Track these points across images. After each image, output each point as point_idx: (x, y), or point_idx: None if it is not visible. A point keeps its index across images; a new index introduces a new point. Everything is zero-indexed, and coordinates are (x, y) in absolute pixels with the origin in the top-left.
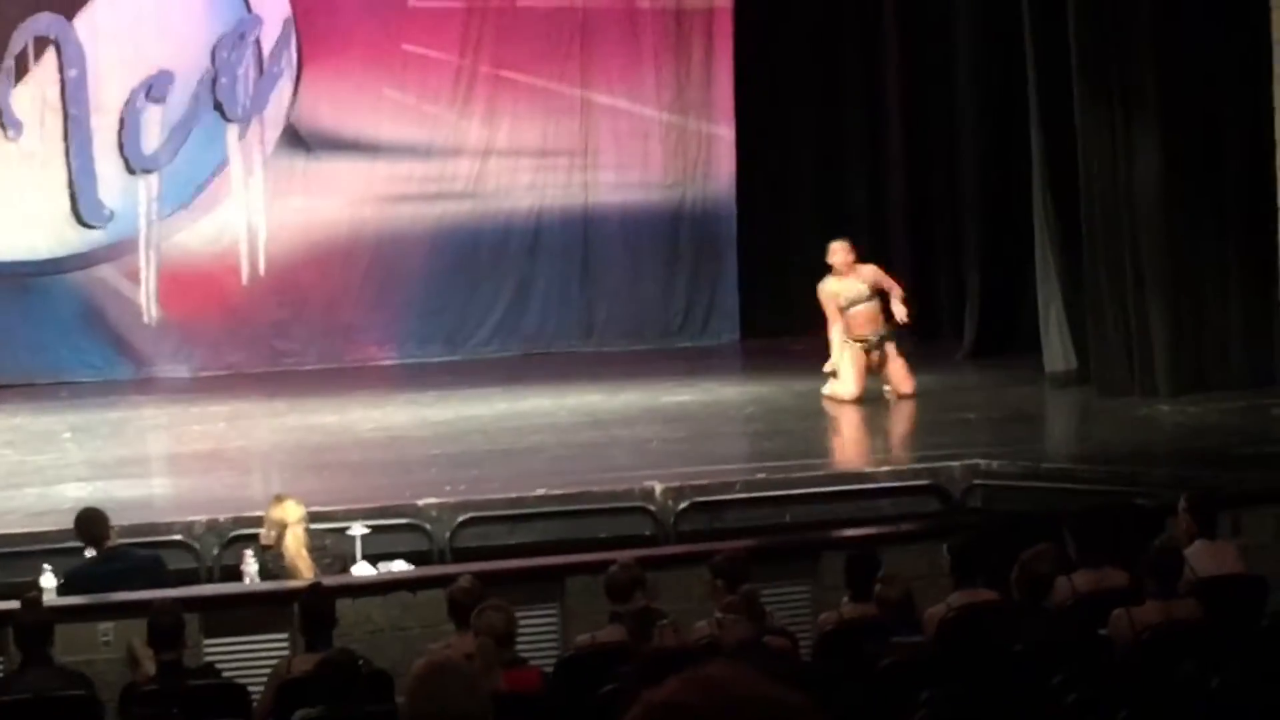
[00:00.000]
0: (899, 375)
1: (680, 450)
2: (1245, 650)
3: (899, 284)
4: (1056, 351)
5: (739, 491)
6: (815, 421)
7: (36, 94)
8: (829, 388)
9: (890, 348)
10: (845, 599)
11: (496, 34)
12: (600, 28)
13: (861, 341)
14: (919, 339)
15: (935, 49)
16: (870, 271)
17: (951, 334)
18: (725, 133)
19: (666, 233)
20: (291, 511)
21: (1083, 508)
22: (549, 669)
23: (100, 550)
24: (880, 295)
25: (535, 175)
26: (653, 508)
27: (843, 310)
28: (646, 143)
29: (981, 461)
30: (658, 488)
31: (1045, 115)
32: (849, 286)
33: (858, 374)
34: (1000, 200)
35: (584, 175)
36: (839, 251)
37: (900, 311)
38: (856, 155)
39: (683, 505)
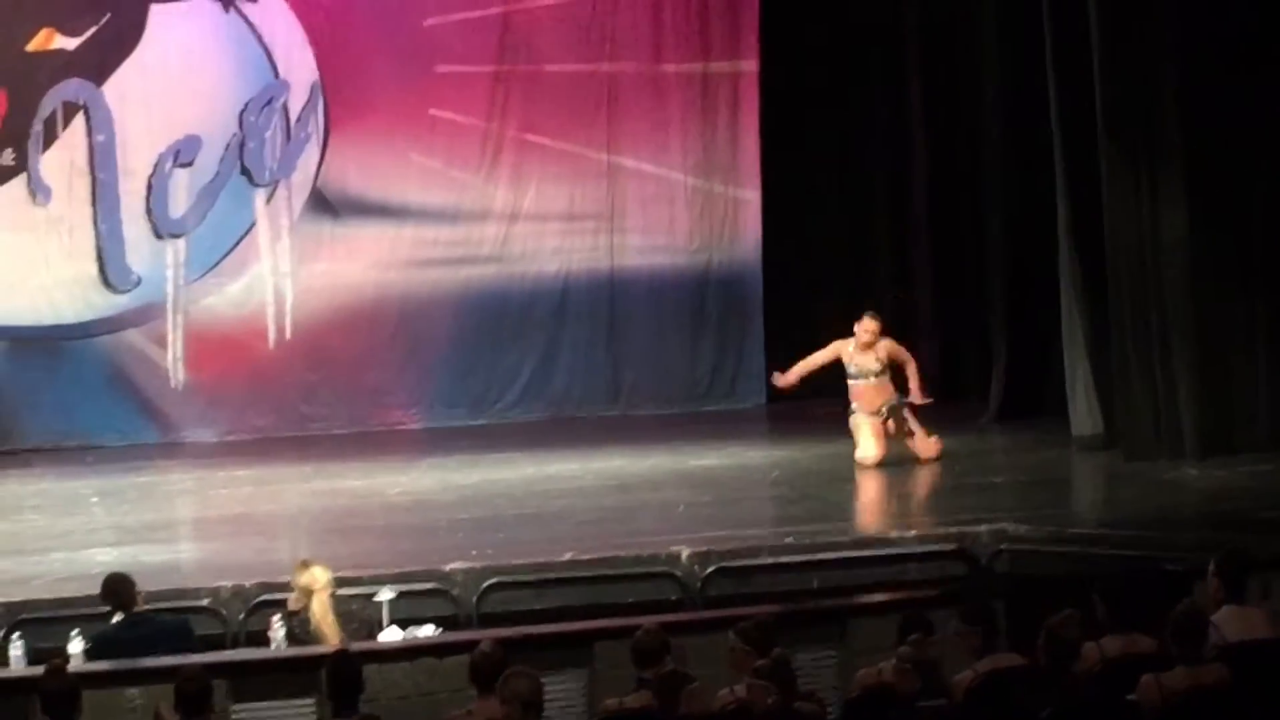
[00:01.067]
0: (921, 443)
1: (707, 515)
2: (1275, 716)
3: (915, 360)
4: (1083, 415)
5: (766, 556)
6: (842, 486)
7: (65, 159)
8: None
9: (908, 415)
10: (885, 662)
11: (523, 98)
12: (627, 92)
13: (875, 414)
14: (945, 402)
15: (961, 111)
16: (886, 346)
17: (978, 397)
18: (751, 196)
19: (693, 296)
20: (318, 577)
21: (1111, 572)
22: None
23: (127, 615)
24: (893, 368)
25: (562, 239)
26: (679, 573)
27: (847, 377)
28: (673, 206)
29: (1009, 526)
30: (684, 552)
31: (1071, 176)
32: (862, 359)
33: (876, 437)
34: (1026, 262)
35: (610, 239)
36: (868, 331)
37: (915, 390)
38: (882, 218)
39: (709, 570)
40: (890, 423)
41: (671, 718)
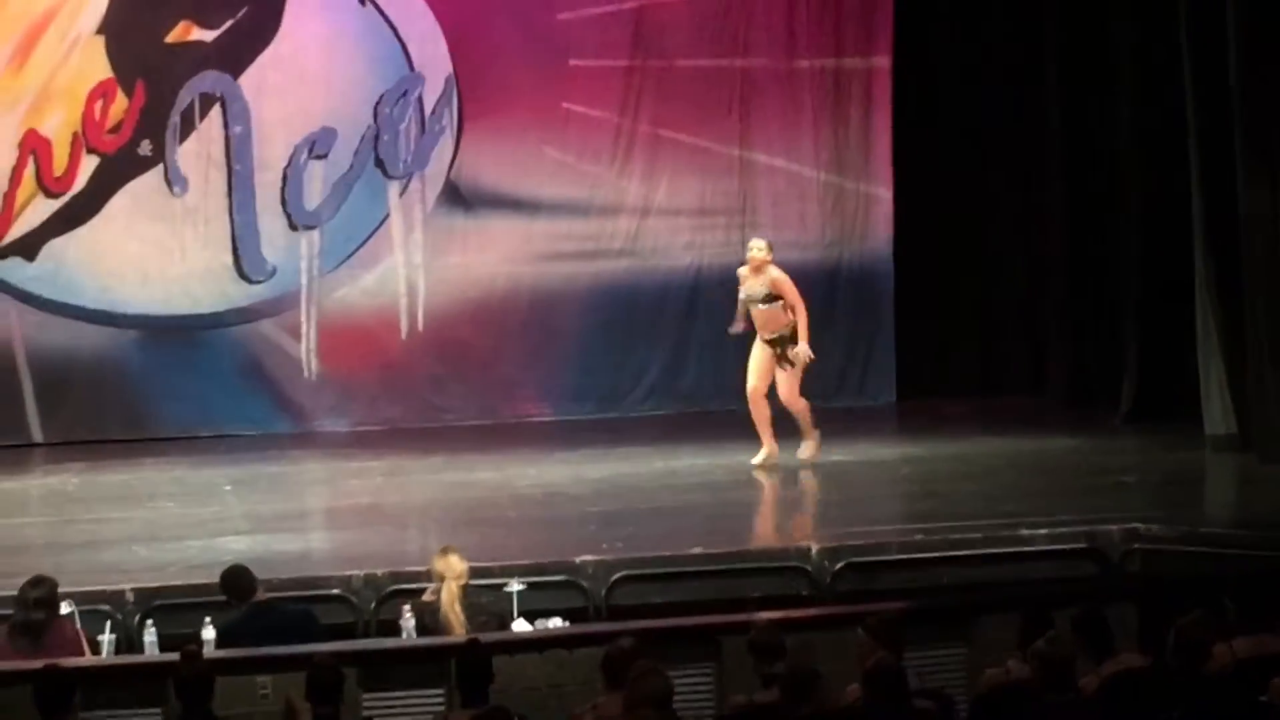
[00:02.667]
0: (807, 446)
1: (836, 510)
2: None
3: (803, 310)
4: (1217, 415)
5: (895, 553)
6: (972, 483)
7: (202, 150)
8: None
9: (789, 352)
10: (1014, 660)
11: (656, 93)
12: (759, 87)
13: (769, 343)
14: (1077, 401)
15: (1095, 109)
16: (774, 277)
17: (1109, 396)
18: (883, 193)
19: (823, 293)
20: (454, 565)
21: (1243, 573)
22: None
23: (251, 605)
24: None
25: (693, 234)
26: (809, 568)
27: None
28: (804, 203)
29: (1140, 525)
30: (814, 548)
31: (1206, 171)
32: (751, 283)
33: (756, 370)
34: (1160, 259)
35: (741, 234)
36: (756, 248)
37: (803, 342)
38: (1014, 215)
39: (839, 565)
40: (781, 353)
41: (798, 715)
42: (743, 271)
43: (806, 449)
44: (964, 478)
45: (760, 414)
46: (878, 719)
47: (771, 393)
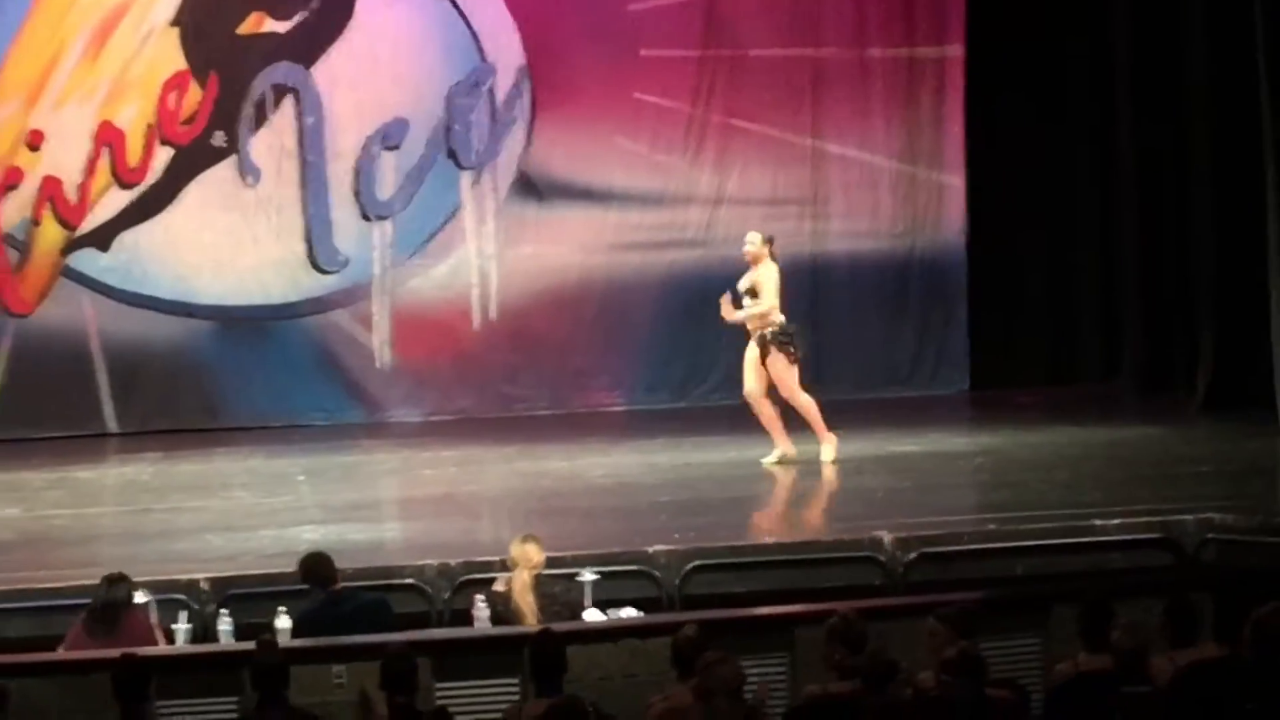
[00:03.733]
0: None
1: (908, 500)
2: None
3: (768, 308)
4: None
5: (969, 542)
6: (1044, 473)
7: (275, 141)
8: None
9: (772, 351)
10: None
11: (728, 83)
12: (831, 76)
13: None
14: (1152, 390)
15: (1169, 95)
16: (762, 274)
17: (1184, 384)
18: (955, 181)
19: (895, 282)
20: (530, 555)
21: None
22: (778, 718)
23: (327, 593)
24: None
25: (765, 224)
26: (882, 557)
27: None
28: (876, 192)
29: (1215, 515)
30: (887, 537)
31: None
32: (746, 277)
33: (750, 368)
34: (1235, 248)
35: (813, 224)
36: (749, 243)
37: (743, 316)
38: (1087, 204)
39: (912, 555)
40: (763, 352)
41: (873, 704)
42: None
43: (826, 451)
44: (1037, 467)
45: (764, 413)
46: (954, 708)
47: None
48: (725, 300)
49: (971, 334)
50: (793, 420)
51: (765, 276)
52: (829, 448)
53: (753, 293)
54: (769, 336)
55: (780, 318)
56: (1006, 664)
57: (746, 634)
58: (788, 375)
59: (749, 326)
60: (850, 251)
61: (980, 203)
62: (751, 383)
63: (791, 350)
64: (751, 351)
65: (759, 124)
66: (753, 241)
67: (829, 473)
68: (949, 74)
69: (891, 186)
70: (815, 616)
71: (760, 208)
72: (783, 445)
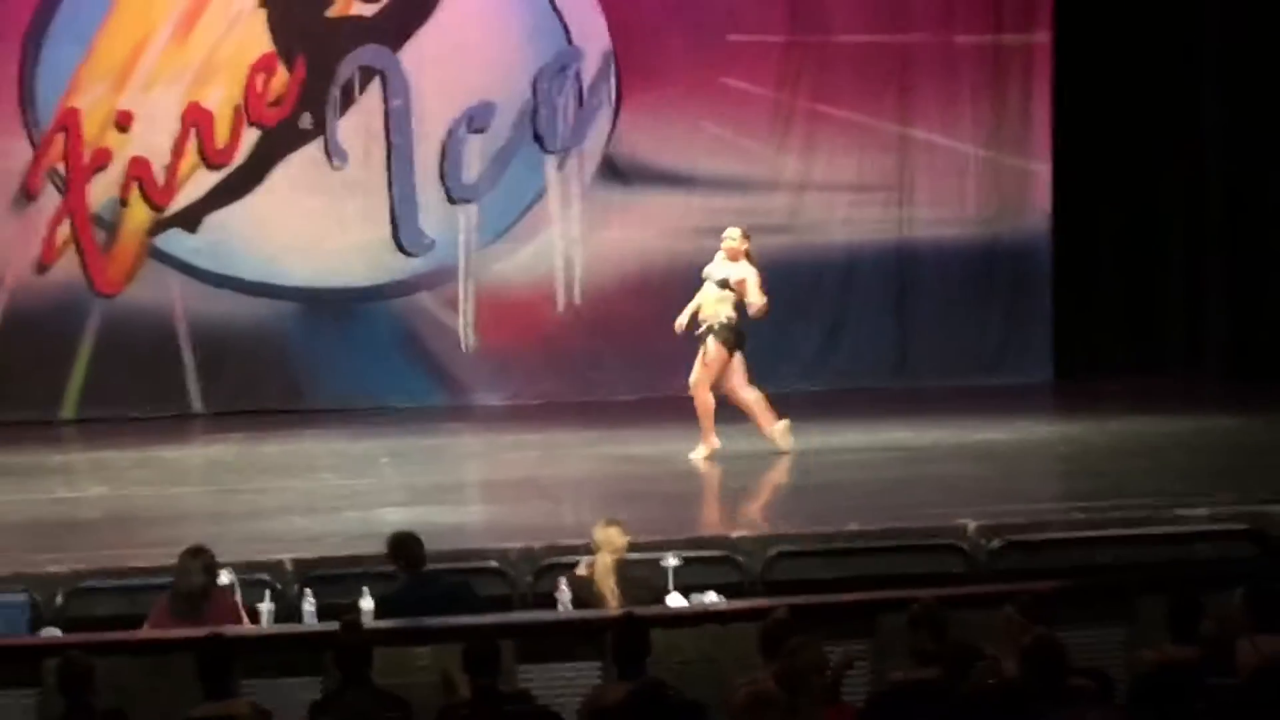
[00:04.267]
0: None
1: (992, 488)
2: None
3: (763, 307)
4: None
5: (1053, 531)
6: (1130, 462)
7: (361, 124)
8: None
9: (710, 343)
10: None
11: (815, 69)
12: (918, 63)
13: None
14: (1241, 377)
15: (1258, 80)
16: (744, 271)
17: (1271, 373)
18: (1042, 169)
19: (980, 269)
20: (613, 539)
21: None
22: (861, 705)
23: (412, 575)
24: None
25: (850, 210)
26: (965, 546)
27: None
28: (962, 178)
29: None
30: (971, 525)
31: None
32: (716, 265)
33: (700, 362)
34: None
35: (899, 210)
36: (728, 238)
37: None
38: (1174, 190)
39: (995, 544)
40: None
41: (956, 691)
42: (718, 257)
43: (781, 440)
44: (1123, 456)
45: (702, 408)
46: (1035, 696)
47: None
48: (708, 294)
49: (1056, 322)
50: (729, 414)
51: (751, 273)
52: (705, 449)
53: (725, 284)
54: (716, 327)
55: (733, 314)
56: (1091, 653)
57: (829, 620)
58: (715, 367)
59: (709, 313)
60: (935, 238)
61: (1066, 190)
62: (700, 379)
63: (729, 347)
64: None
65: (845, 110)
66: (733, 237)
67: (702, 468)
68: (1036, 61)
69: (977, 173)
70: (898, 603)
71: (845, 194)
72: (711, 443)
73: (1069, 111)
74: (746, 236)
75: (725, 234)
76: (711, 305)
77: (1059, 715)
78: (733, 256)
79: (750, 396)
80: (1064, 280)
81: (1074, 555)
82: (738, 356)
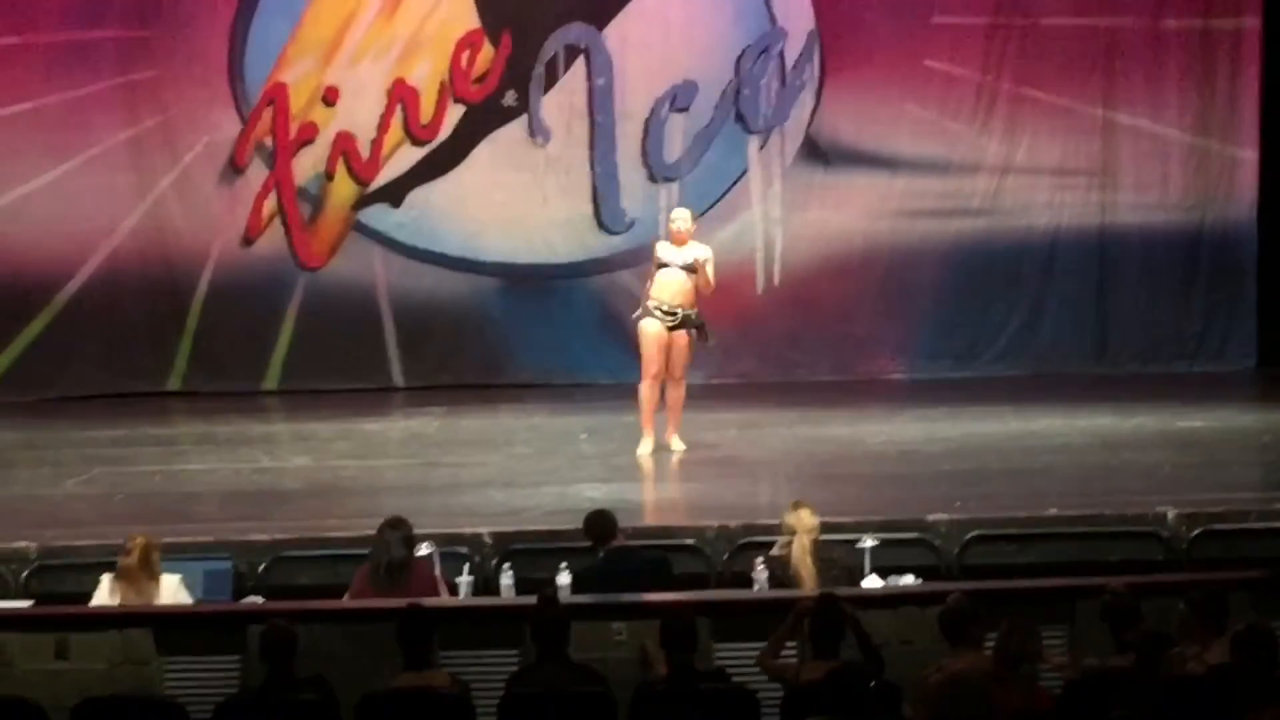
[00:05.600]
0: (674, 361)
1: (1193, 476)
2: None
3: (711, 286)
4: None
5: (1254, 521)
6: None
7: (565, 101)
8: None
9: (690, 334)
10: None
11: (1019, 51)
12: (1124, 47)
13: (662, 312)
14: None
15: None
16: (706, 251)
17: None
18: (1249, 155)
19: (1184, 256)
20: (805, 520)
21: None
22: (1057, 691)
23: (608, 550)
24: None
25: (1053, 194)
26: (1165, 534)
27: (656, 267)
28: (1167, 164)
29: None
30: (1171, 513)
31: None
32: (671, 251)
33: (657, 349)
34: None
35: (1102, 195)
36: (676, 220)
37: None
38: None
39: (1196, 532)
40: (674, 334)
41: (1151, 680)
42: (661, 243)
43: (678, 440)
44: None
45: (655, 400)
46: (1241, 684)
47: None
48: (677, 284)
49: (1260, 310)
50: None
51: (711, 254)
52: (649, 442)
53: (691, 269)
54: (694, 317)
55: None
56: None
57: (1026, 605)
58: (689, 357)
59: (684, 300)
60: (1139, 224)
61: (1273, 177)
62: (667, 364)
63: (703, 339)
64: (664, 334)
65: (1049, 93)
66: (684, 219)
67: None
68: (1245, 46)
69: (1182, 159)
70: (1095, 591)
71: (1048, 177)
72: (653, 437)
73: (1278, 98)
74: (695, 218)
75: (676, 216)
76: (684, 293)
77: (1268, 707)
78: (681, 241)
79: (682, 392)
80: (1270, 268)
81: (1276, 545)
82: (681, 341)
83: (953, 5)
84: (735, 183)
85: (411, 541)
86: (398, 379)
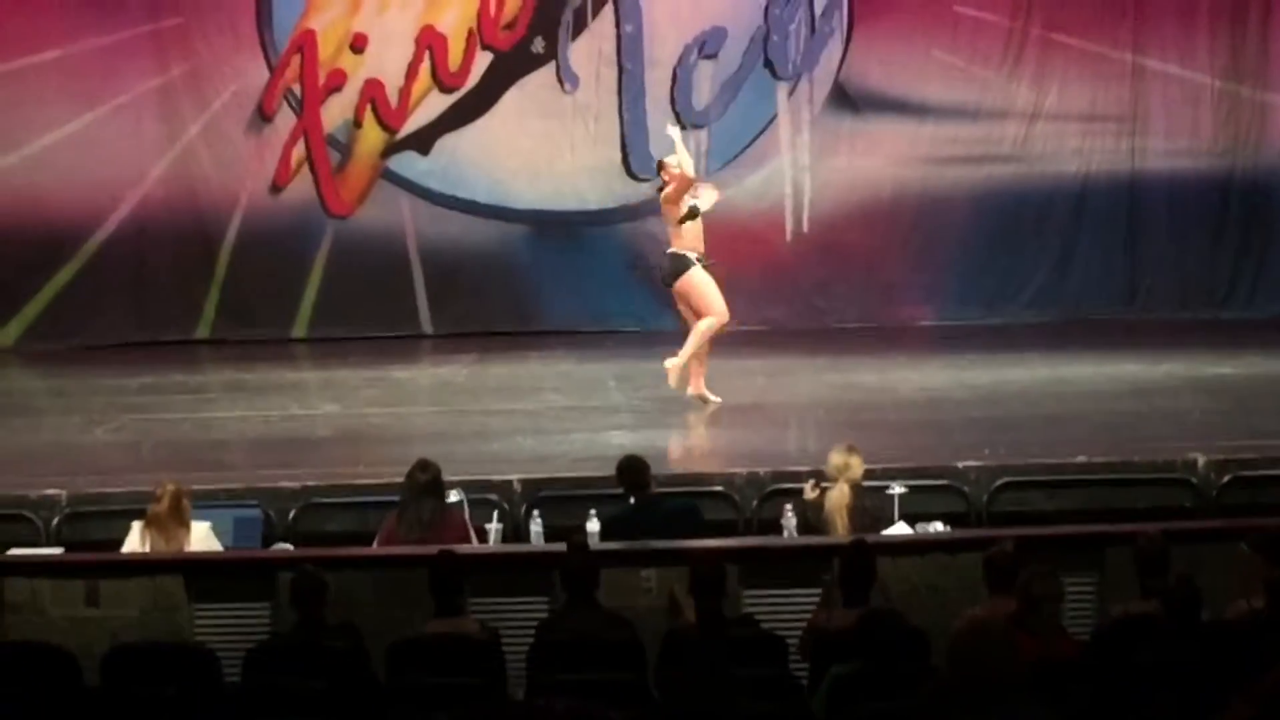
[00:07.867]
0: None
1: (1223, 423)
2: None
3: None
4: None
5: None
6: None
7: (593, 48)
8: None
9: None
10: None
11: None
12: None
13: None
14: None
15: None
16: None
17: None
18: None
19: (1214, 202)
20: (854, 467)
21: None
22: (1085, 638)
23: (639, 497)
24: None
25: (1082, 140)
26: (1195, 480)
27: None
28: (1197, 109)
29: None
30: (1200, 460)
31: None
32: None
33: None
34: None
35: (1132, 141)
36: (675, 167)
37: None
38: None
39: (1226, 479)
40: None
41: (1180, 627)
42: (668, 192)
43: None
44: None
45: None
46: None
47: None
48: (697, 230)
49: None
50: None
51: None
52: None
53: (693, 213)
54: (701, 258)
55: None
56: None
57: (1055, 552)
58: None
59: (694, 246)
60: (1169, 170)
61: None
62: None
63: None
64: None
65: (1079, 38)
66: (677, 164)
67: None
68: None
69: (1213, 105)
70: (1125, 537)
71: (1078, 123)
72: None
73: None
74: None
75: (670, 162)
76: (701, 238)
77: None
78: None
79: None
80: None
81: None
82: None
83: None
84: (764, 130)
85: (438, 484)
86: (426, 326)
